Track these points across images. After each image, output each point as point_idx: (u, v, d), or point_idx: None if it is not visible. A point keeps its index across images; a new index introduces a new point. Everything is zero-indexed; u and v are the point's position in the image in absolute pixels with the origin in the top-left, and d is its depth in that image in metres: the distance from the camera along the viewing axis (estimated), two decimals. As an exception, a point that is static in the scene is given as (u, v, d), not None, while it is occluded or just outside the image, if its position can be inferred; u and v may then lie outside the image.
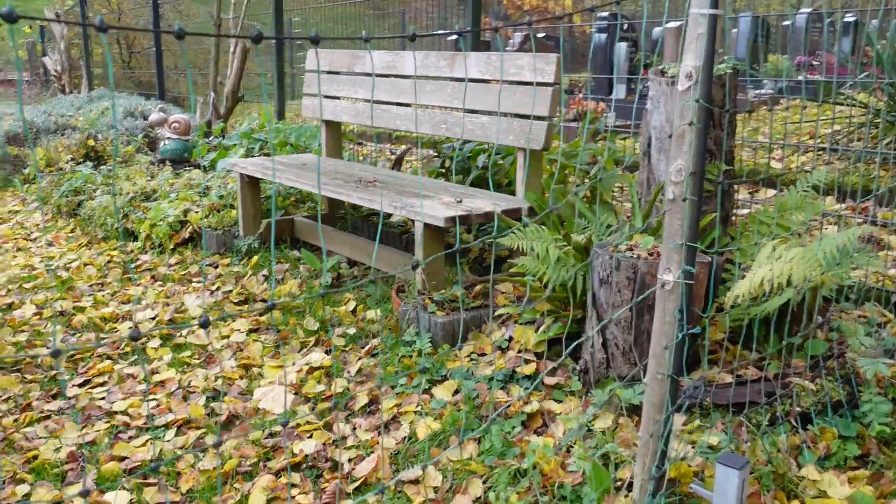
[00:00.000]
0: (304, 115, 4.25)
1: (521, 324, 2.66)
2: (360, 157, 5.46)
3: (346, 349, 2.86)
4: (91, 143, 5.73)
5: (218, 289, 3.59)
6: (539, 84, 2.96)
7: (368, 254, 3.53)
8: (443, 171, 3.99)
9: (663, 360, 1.55)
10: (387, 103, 3.70)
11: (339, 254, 3.74)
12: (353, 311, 3.22)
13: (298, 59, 10.13)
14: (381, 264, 3.46)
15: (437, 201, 2.96)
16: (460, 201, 2.95)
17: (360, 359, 2.75)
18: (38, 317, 3.36)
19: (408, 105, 3.59)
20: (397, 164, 4.71)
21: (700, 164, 1.49)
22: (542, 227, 2.56)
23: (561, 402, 2.26)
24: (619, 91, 7.79)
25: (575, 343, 1.75)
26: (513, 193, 3.44)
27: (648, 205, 2.55)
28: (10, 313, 3.42)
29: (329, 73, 4.07)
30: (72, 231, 4.80)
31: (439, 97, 3.37)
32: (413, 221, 2.99)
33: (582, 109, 7.32)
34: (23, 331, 3.21)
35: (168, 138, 5.52)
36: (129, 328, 3.19)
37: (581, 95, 7.81)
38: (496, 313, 2.69)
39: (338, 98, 4.02)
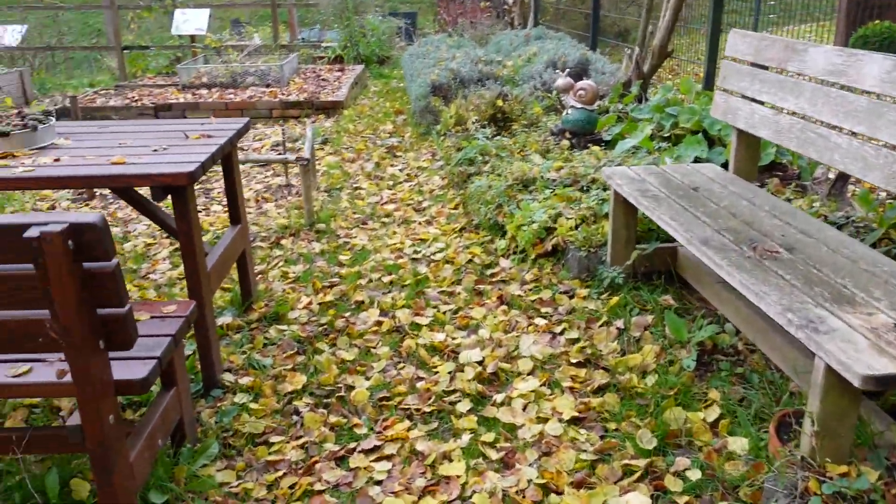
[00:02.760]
0: (713, 114, 3.28)
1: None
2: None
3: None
4: (499, 102, 5.47)
5: (563, 332, 2.99)
6: None
7: (758, 330, 2.56)
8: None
9: None
10: (823, 125, 2.58)
11: (724, 316, 2.83)
12: (714, 425, 2.35)
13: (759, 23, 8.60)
14: (773, 355, 2.48)
15: (860, 316, 1.89)
16: (904, 328, 1.84)
17: (693, 530, 1.93)
18: (376, 328, 3.16)
19: (855, 134, 2.43)
20: (838, 184, 3.47)
21: None
22: None
23: None
24: None
25: None
26: None
27: None
28: (357, 315, 3.29)
29: (753, 65, 3.03)
30: (455, 207, 4.61)
31: (907, 134, 2.17)
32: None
33: None
34: (356, 345, 3.04)
35: (572, 107, 4.96)
36: (450, 372, 2.79)
37: None
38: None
39: (758, 102, 2.98)
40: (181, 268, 3.84)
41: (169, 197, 2.51)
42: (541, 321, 3.08)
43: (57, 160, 2.60)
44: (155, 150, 2.70)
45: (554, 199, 3.78)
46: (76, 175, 2.43)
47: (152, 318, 2.26)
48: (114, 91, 8.79)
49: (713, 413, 2.38)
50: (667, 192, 2.91)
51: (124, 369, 1.98)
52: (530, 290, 3.36)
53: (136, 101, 7.98)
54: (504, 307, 3.24)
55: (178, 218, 2.53)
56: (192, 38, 10.82)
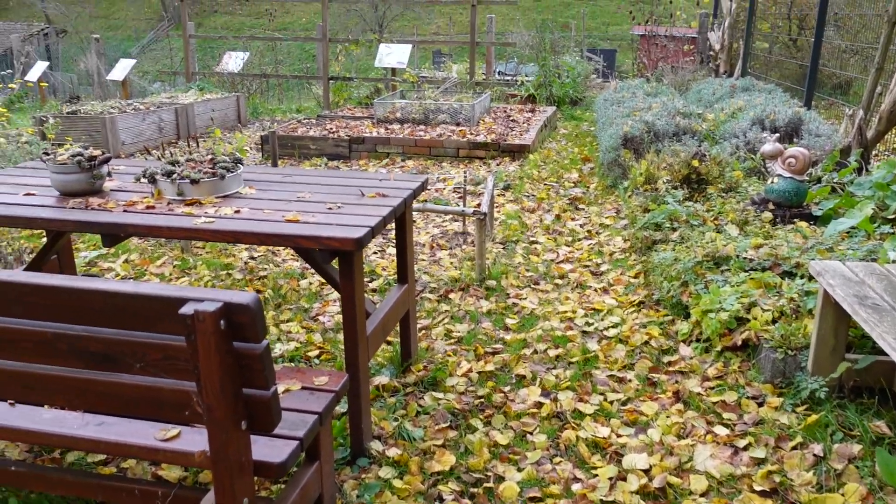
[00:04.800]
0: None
1: None
2: None
3: None
4: (695, 163, 5.08)
5: (746, 448, 2.61)
6: None
7: None
8: None
9: None
10: None
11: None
12: None
13: None
14: None
15: None
16: None
17: None
18: (535, 410, 2.94)
19: None
20: None
21: None
22: None
23: None
24: None
25: None
26: None
27: None
28: (516, 391, 3.09)
29: None
30: (636, 276, 4.29)
31: None
32: None
33: None
34: (511, 427, 2.84)
35: (779, 175, 4.48)
36: (610, 478, 2.51)
37: None
38: None
39: None
40: (349, 314, 3.83)
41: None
42: (722, 430, 2.71)
43: (237, 211, 2.64)
44: (329, 208, 2.67)
45: (749, 283, 3.38)
46: (250, 231, 2.44)
47: (303, 388, 2.20)
48: (315, 121, 9.25)
49: (934, 593, 1.93)
50: (891, 303, 2.46)
51: (264, 448, 1.91)
52: (712, 388, 3.00)
53: (333, 132, 8.34)
54: (680, 406, 2.91)
55: (343, 281, 2.47)
56: (393, 70, 11.23)
